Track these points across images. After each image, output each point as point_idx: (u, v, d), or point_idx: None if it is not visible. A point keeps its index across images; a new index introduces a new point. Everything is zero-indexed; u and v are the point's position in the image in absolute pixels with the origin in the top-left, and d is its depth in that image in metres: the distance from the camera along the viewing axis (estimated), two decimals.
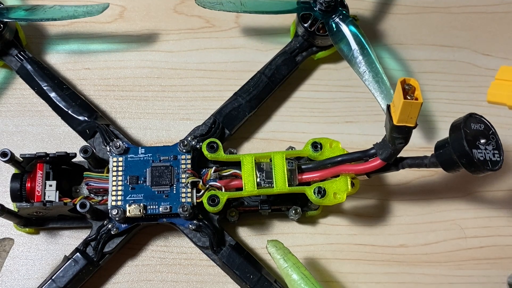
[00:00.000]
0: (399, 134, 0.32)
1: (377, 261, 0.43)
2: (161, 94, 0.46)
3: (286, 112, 0.47)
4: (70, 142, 0.45)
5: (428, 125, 0.46)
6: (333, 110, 0.47)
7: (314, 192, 0.38)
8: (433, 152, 0.34)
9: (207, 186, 0.39)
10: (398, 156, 0.36)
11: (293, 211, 0.41)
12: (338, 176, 0.39)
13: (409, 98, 0.30)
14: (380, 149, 0.35)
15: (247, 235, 0.43)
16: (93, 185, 0.39)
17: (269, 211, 0.41)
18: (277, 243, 0.38)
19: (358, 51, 0.43)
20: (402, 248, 0.43)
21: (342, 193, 0.38)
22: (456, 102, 0.48)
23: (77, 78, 0.47)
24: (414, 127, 0.31)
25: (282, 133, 0.46)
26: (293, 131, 0.46)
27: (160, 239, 0.43)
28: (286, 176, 0.38)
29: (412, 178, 0.45)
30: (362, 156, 0.37)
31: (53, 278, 0.38)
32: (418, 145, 0.45)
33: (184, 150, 0.40)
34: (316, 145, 0.40)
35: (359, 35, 0.43)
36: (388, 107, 0.32)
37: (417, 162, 0.36)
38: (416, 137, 0.45)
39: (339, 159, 0.38)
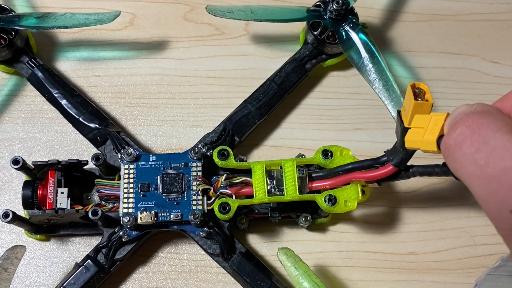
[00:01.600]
0: None
1: (387, 269, 0.43)
2: (171, 101, 0.47)
3: (296, 119, 0.46)
4: (81, 149, 0.45)
5: None
6: (343, 117, 0.47)
7: (325, 200, 0.38)
8: (444, 161, 0.34)
9: (218, 193, 0.39)
10: (409, 164, 0.35)
11: (303, 219, 0.41)
12: (348, 183, 0.38)
13: (419, 100, 0.30)
14: (391, 155, 0.35)
15: (257, 242, 0.43)
16: (104, 192, 0.39)
17: (279, 218, 0.41)
18: (288, 250, 0.38)
19: (368, 59, 0.43)
20: (412, 255, 0.43)
21: (353, 201, 0.38)
22: None
23: (87, 85, 0.47)
24: None
25: (292, 140, 0.46)
26: (302, 138, 0.46)
27: (171, 246, 0.43)
28: (296, 183, 0.38)
29: (421, 186, 0.45)
30: (373, 163, 0.37)
31: (64, 285, 0.38)
32: None
33: (195, 158, 0.40)
34: (326, 153, 0.39)
35: (369, 43, 0.43)
36: (399, 112, 0.32)
37: (428, 170, 0.35)
38: None
39: (349, 166, 0.38)
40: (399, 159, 0.35)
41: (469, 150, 0.23)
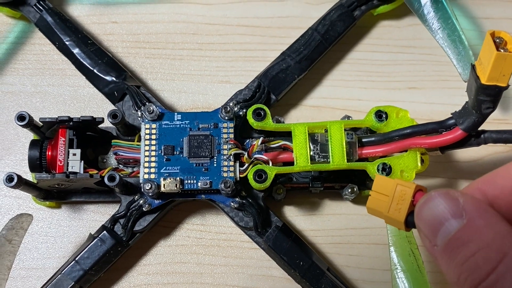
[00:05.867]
0: (487, 97, 0.28)
1: None
2: (198, 53, 0.42)
3: (340, 76, 0.42)
4: (96, 106, 0.41)
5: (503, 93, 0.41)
6: (394, 74, 0.42)
7: (378, 170, 0.34)
8: None
9: (252, 159, 0.35)
10: (480, 129, 0.31)
11: (349, 190, 0.37)
12: (405, 151, 0.34)
13: (502, 51, 0.26)
14: (460, 117, 0.31)
15: (294, 215, 0.39)
16: (122, 155, 0.35)
17: (321, 189, 0.37)
18: None
19: (431, 4, 0.37)
20: None
21: (411, 171, 0.34)
22: None
23: (103, 33, 0.42)
24: (506, 88, 0.28)
25: (335, 100, 0.41)
26: (347, 97, 0.41)
27: (197, 217, 0.39)
28: (344, 149, 0.34)
29: (484, 155, 0.40)
30: (438, 127, 0.32)
31: (76, 259, 0.35)
32: (493, 116, 0.39)
33: (226, 118, 0.35)
34: (380, 114, 0.35)
35: None
36: (473, 66, 0.28)
37: (505, 136, 0.31)
38: None
39: (409, 131, 0.33)
40: (471, 123, 0.31)
41: None
